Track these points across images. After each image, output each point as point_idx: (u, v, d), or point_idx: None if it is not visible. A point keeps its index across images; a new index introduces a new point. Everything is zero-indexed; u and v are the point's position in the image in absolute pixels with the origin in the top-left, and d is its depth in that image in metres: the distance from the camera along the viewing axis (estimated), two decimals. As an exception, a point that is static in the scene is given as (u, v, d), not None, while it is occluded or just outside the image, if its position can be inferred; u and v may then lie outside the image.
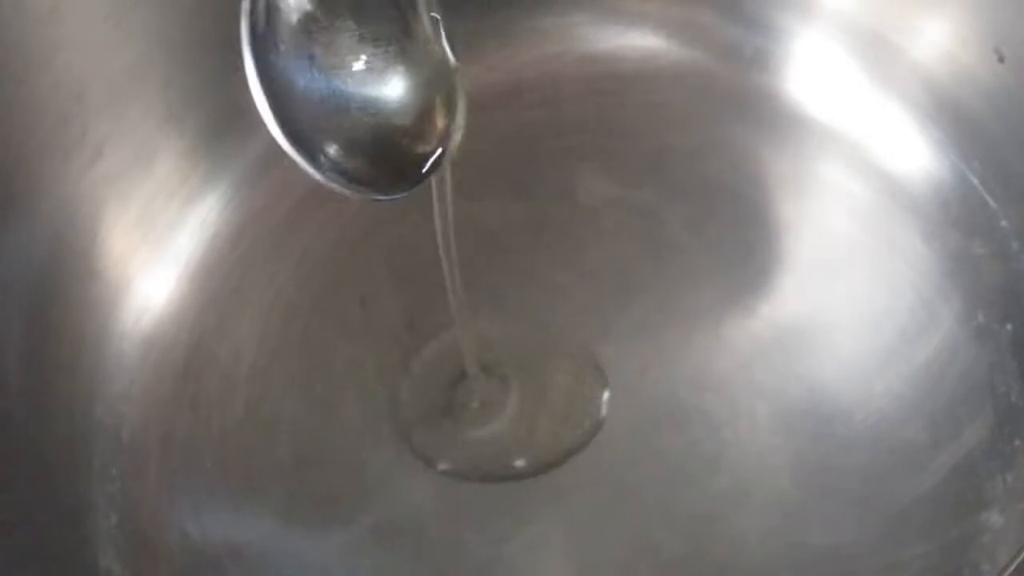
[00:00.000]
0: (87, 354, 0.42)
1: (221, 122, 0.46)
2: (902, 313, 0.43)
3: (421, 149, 0.33)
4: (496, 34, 0.50)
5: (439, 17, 0.33)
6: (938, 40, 0.44)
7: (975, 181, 0.44)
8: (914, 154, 0.45)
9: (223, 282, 0.45)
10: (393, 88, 0.32)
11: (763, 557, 0.39)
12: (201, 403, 0.43)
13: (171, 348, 0.44)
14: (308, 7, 0.31)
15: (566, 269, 0.45)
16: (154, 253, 0.45)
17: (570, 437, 0.42)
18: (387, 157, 0.33)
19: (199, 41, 0.44)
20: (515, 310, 0.44)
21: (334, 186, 0.32)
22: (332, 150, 0.32)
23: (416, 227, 0.46)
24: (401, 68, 0.32)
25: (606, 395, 0.42)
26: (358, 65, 0.32)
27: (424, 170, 0.33)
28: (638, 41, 0.49)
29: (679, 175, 0.47)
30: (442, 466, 0.41)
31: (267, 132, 0.48)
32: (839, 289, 0.44)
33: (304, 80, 0.32)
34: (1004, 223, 0.43)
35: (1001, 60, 0.42)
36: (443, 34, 0.33)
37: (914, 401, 0.41)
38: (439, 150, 0.33)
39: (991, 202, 0.43)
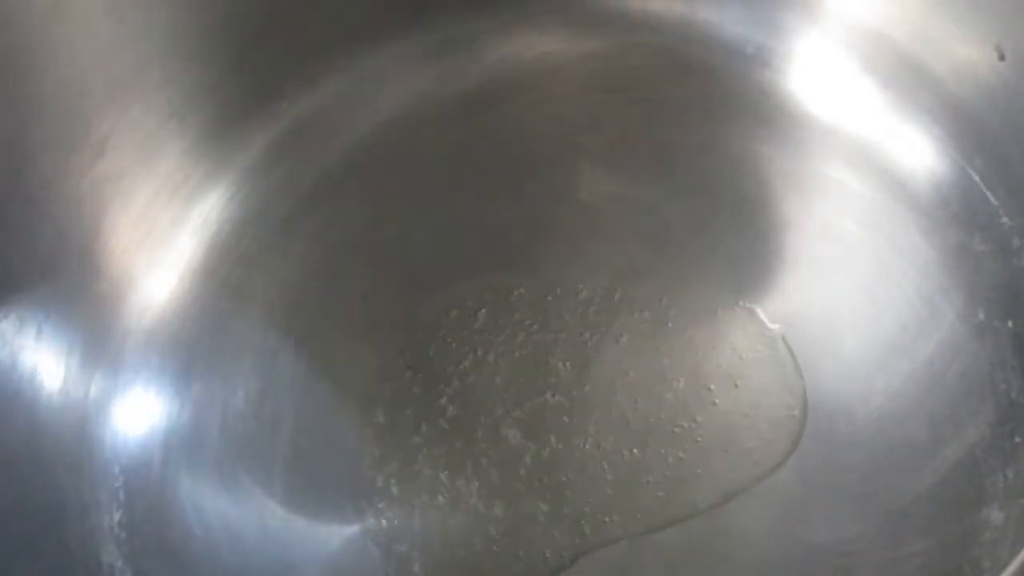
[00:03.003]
0: (89, 351, 0.42)
1: (224, 120, 0.47)
2: (903, 310, 0.43)
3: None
4: (496, 33, 0.50)
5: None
6: (939, 37, 0.44)
7: (976, 178, 0.44)
8: (915, 151, 0.45)
9: (225, 280, 0.46)
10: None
11: (764, 553, 0.39)
12: (203, 400, 0.43)
13: (173, 345, 0.44)
14: None
15: (568, 267, 0.45)
16: (156, 251, 0.45)
17: None
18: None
19: (202, 39, 0.45)
20: (516, 308, 0.44)
21: None
22: None
23: (417, 225, 0.46)
24: None
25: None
26: None
27: None
28: (640, 39, 0.49)
29: (681, 173, 0.47)
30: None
31: (268, 131, 0.48)
32: (840, 286, 0.44)
33: None
34: (1005, 220, 0.43)
35: (1002, 58, 0.42)
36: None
37: (915, 398, 0.41)
38: None
39: (992, 199, 0.43)
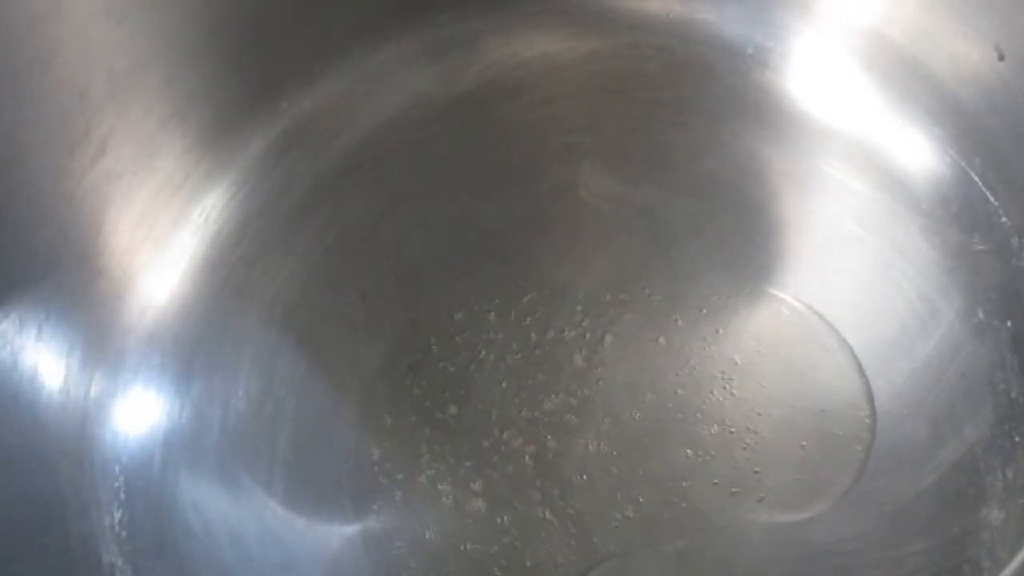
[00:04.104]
0: (90, 351, 0.42)
1: (224, 120, 0.47)
2: (902, 310, 0.43)
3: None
4: (496, 33, 0.50)
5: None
6: (938, 37, 0.44)
7: (975, 178, 0.44)
8: (914, 151, 0.45)
9: (226, 279, 0.46)
10: None
11: (764, 553, 0.39)
12: (203, 399, 0.43)
13: (174, 345, 0.44)
14: None
15: (568, 267, 0.45)
16: (157, 250, 0.45)
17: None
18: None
19: (202, 39, 0.45)
20: (518, 308, 0.44)
21: None
22: None
23: (417, 225, 0.46)
24: None
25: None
26: None
27: None
28: (639, 38, 0.50)
29: (680, 172, 0.47)
30: None
31: (268, 131, 0.48)
32: (839, 286, 0.44)
33: None
34: (1004, 220, 0.43)
35: (1001, 58, 0.42)
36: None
37: (915, 398, 0.41)
38: None
39: (991, 199, 0.43)
